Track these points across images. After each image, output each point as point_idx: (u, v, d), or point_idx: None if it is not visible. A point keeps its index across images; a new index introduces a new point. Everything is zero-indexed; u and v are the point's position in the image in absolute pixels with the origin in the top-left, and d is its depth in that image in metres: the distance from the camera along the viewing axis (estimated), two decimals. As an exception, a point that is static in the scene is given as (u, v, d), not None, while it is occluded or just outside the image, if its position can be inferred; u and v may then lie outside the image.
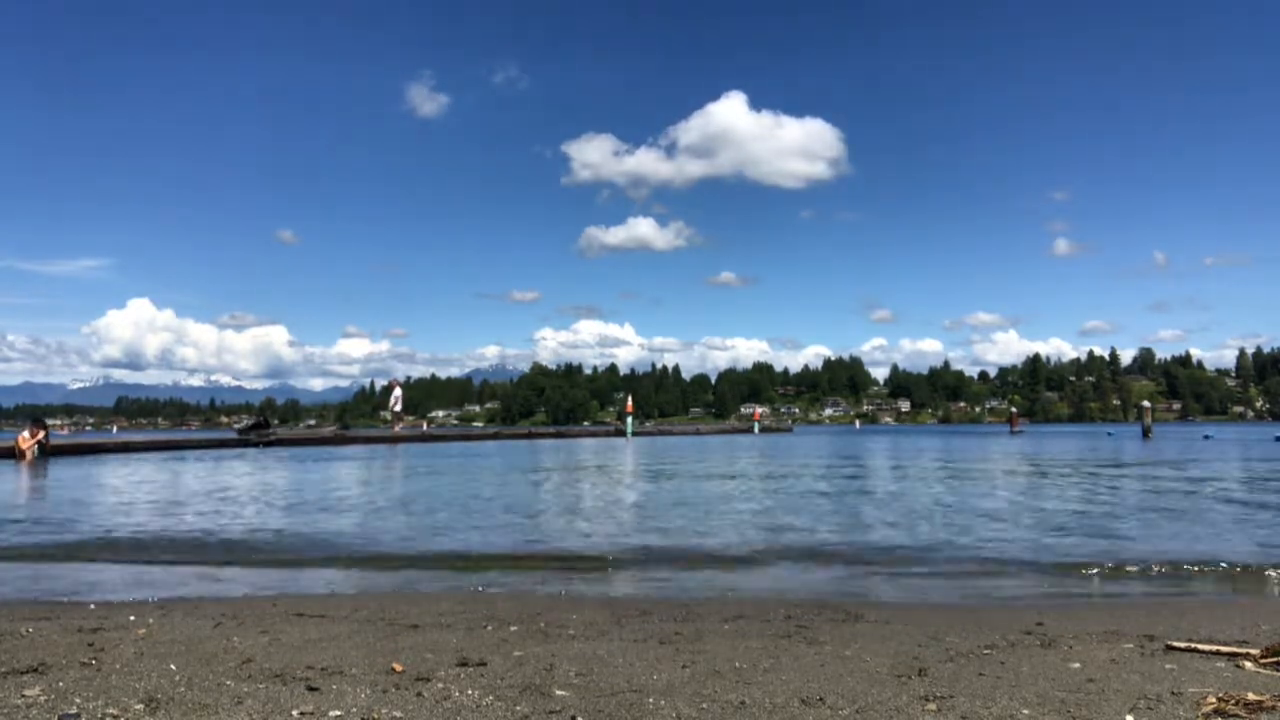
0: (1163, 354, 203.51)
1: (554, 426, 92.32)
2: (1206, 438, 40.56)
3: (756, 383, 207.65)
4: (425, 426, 54.41)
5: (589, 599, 4.69)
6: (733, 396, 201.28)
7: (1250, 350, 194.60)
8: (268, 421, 34.14)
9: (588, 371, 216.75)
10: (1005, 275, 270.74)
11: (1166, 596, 4.85)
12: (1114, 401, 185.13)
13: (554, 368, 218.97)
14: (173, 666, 3.01)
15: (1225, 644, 3.32)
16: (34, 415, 34.48)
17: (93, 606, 4.33)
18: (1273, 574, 5.47)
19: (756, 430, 56.33)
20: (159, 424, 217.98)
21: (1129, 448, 27.71)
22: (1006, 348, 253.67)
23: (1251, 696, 2.58)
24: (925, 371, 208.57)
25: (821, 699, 2.68)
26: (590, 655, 3.25)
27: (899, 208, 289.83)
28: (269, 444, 27.88)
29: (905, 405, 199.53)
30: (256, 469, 16.77)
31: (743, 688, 2.81)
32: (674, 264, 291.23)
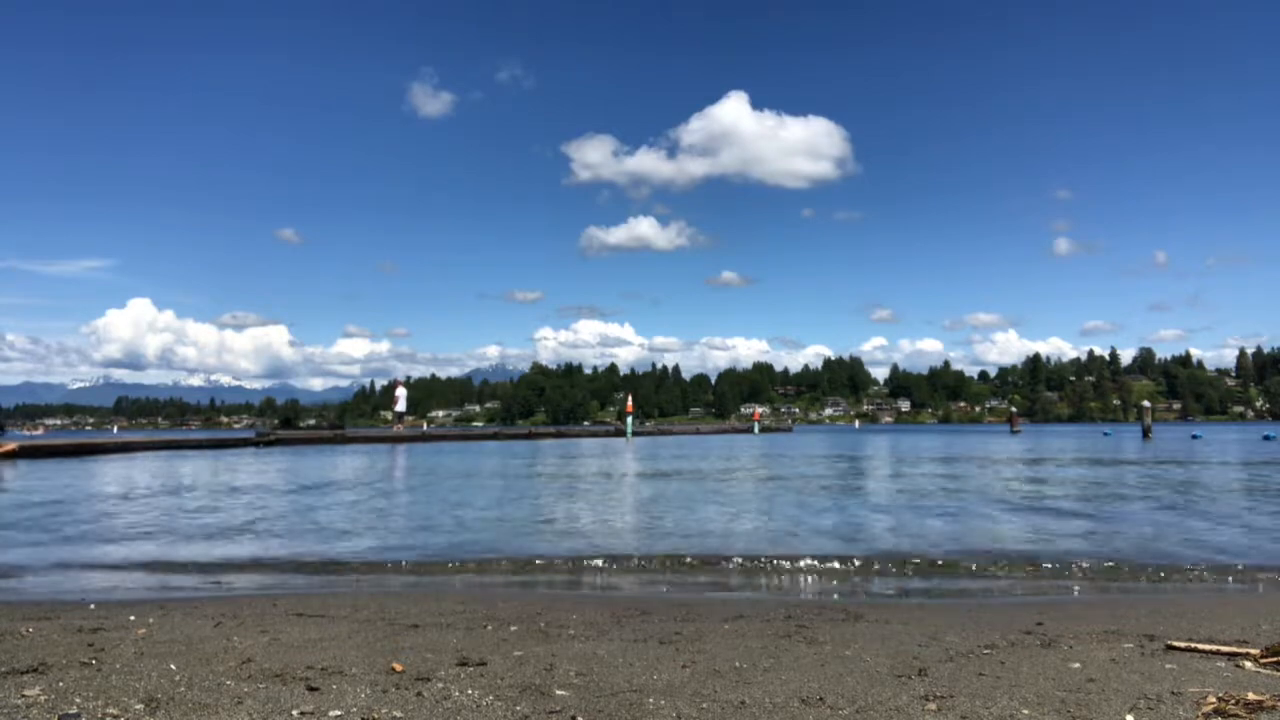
0: (1163, 354, 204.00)
1: (554, 426, 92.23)
2: (1195, 437, 41.21)
3: (757, 382, 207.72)
4: (425, 426, 54.44)
5: (589, 599, 4.69)
6: (733, 396, 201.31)
7: (1250, 350, 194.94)
8: (291, 421, 34.40)
9: (588, 371, 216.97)
10: (1005, 275, 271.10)
11: (1166, 596, 4.85)
12: (1114, 401, 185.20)
13: (554, 367, 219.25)
14: (173, 666, 3.01)
15: (1225, 644, 3.32)
16: None
17: (93, 607, 4.32)
18: (1272, 574, 5.46)
19: (756, 430, 56.37)
20: (159, 424, 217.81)
21: (1131, 446, 27.78)
22: (1006, 348, 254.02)
23: (1251, 696, 2.58)
24: (925, 371, 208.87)
25: (821, 699, 2.68)
26: (590, 655, 3.25)
27: (900, 207, 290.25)
28: (269, 444, 27.92)
29: (905, 405, 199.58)
30: (259, 469, 16.76)
31: (743, 688, 2.81)
32: (675, 264, 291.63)
